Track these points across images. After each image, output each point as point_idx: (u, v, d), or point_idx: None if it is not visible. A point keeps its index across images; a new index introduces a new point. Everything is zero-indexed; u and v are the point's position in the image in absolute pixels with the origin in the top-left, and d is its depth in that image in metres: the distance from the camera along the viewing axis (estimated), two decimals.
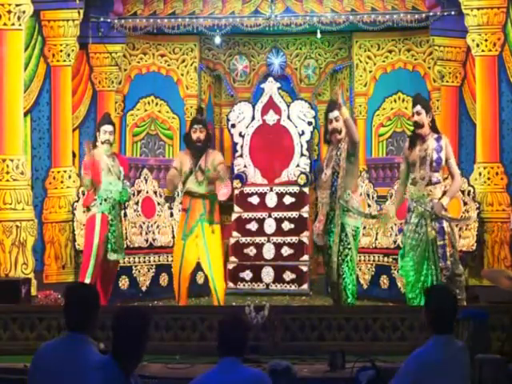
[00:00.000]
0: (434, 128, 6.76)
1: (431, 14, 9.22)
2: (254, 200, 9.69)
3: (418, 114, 6.72)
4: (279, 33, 10.16)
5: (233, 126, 10.14)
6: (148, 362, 5.13)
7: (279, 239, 9.33)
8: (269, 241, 9.34)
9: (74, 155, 8.95)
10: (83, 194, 8.31)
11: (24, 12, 8.20)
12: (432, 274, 6.61)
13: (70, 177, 8.83)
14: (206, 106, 10.65)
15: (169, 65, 10.36)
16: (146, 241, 8.92)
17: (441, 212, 6.59)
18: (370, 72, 10.29)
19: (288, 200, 9.64)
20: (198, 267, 7.80)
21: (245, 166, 10.03)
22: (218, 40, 10.18)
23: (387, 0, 9.39)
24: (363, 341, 6.03)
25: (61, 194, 8.79)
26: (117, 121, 9.88)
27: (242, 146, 10.10)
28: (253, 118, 10.14)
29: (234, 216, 9.58)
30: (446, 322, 3.68)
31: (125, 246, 7.81)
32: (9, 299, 7.11)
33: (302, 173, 9.71)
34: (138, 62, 10.19)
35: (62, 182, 8.81)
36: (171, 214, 9.14)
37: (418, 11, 9.31)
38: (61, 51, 8.81)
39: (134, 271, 8.70)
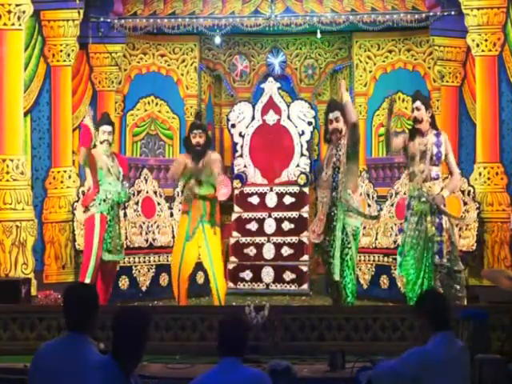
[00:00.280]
0: (433, 124, 6.83)
1: (431, 14, 9.22)
2: (254, 200, 9.69)
3: (418, 109, 6.80)
4: (279, 33, 10.16)
5: (233, 125, 10.14)
6: (148, 361, 5.13)
7: (279, 239, 9.33)
8: (269, 241, 9.34)
9: (74, 154, 8.95)
10: (83, 194, 8.31)
11: (24, 12, 8.20)
12: (429, 271, 6.63)
13: (69, 177, 8.83)
14: (206, 106, 10.66)
15: (169, 65, 10.36)
16: (146, 241, 8.92)
17: (441, 203, 6.61)
18: (370, 72, 10.29)
19: (288, 200, 9.65)
20: (198, 267, 7.80)
21: (245, 166, 10.03)
22: (218, 40, 10.18)
23: (387, 0, 9.39)
24: (363, 341, 6.03)
25: (61, 194, 8.79)
26: (117, 121, 9.88)
27: (242, 146, 10.10)
28: (253, 118, 10.14)
29: (234, 216, 9.58)
30: (443, 318, 3.69)
31: (124, 246, 7.79)
32: (9, 299, 7.11)
33: (301, 173, 9.71)
34: (138, 62, 10.19)
35: (61, 182, 8.81)
36: (171, 214, 9.14)
37: (418, 11, 9.31)
38: (61, 51, 8.81)
39: (133, 271, 8.70)
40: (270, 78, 10.31)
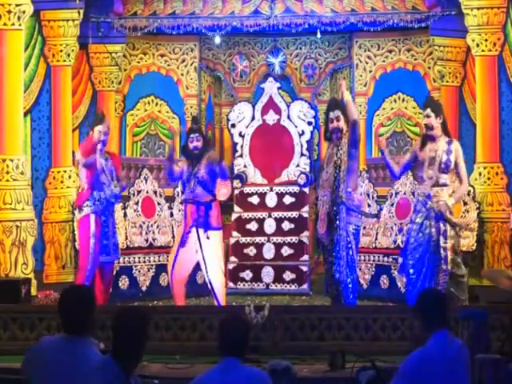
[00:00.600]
0: (445, 131, 6.84)
1: (431, 13, 9.21)
2: (254, 200, 9.69)
3: (428, 116, 6.83)
4: (279, 33, 10.16)
5: (233, 125, 10.13)
6: (148, 361, 5.13)
7: (279, 239, 9.33)
8: (269, 241, 9.34)
9: (73, 155, 8.95)
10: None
11: (24, 12, 8.20)
12: (431, 274, 6.63)
13: (70, 177, 8.83)
14: (206, 106, 10.66)
15: (169, 65, 10.36)
16: (146, 241, 8.92)
17: (446, 212, 6.62)
18: (370, 72, 10.29)
19: (288, 200, 9.64)
20: (198, 267, 7.79)
21: (245, 166, 10.03)
22: (218, 40, 10.19)
23: (387, 0, 9.38)
24: (363, 341, 6.03)
25: (61, 194, 8.79)
26: (117, 121, 9.91)
27: (241, 146, 10.09)
28: (253, 118, 10.13)
29: (234, 216, 9.58)
30: (442, 317, 3.70)
31: (119, 246, 7.76)
32: (9, 299, 7.11)
33: (301, 173, 9.71)
34: (138, 62, 10.19)
35: (61, 182, 8.81)
36: (171, 214, 9.13)
37: (418, 11, 9.30)
38: (61, 51, 8.81)
39: (134, 271, 8.69)
40: (270, 78, 10.30)
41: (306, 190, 9.66)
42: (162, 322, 6.11)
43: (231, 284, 9.05)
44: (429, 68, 9.87)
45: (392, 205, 8.79)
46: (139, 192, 8.98)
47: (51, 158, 8.82)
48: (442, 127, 6.82)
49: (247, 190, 9.74)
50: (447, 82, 9.40)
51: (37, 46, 8.70)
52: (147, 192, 9.05)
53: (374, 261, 8.73)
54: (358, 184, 7.18)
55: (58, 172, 8.81)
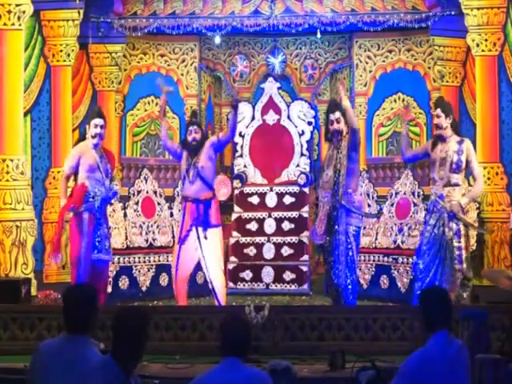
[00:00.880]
0: (455, 131, 6.89)
1: (431, 14, 9.21)
2: (254, 200, 9.69)
3: (438, 116, 6.91)
4: (279, 33, 10.16)
5: None
6: (148, 361, 5.14)
7: (279, 239, 9.33)
8: (269, 241, 9.34)
9: None
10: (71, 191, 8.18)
11: (24, 12, 8.19)
12: (444, 274, 6.66)
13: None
14: (206, 106, 10.66)
15: (169, 65, 10.36)
16: (146, 241, 8.91)
17: (458, 211, 6.65)
18: (370, 72, 10.30)
19: (288, 200, 9.64)
20: (198, 267, 7.80)
21: (245, 166, 10.03)
22: (218, 40, 10.19)
23: (387, 0, 9.38)
24: (363, 341, 6.03)
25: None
26: (117, 121, 9.91)
27: (242, 146, 10.09)
28: (253, 118, 10.14)
29: (234, 216, 9.58)
30: (441, 318, 3.69)
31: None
32: (9, 299, 7.10)
33: (301, 173, 9.71)
34: (138, 62, 10.19)
35: None
36: (171, 214, 9.13)
37: (418, 11, 9.31)
38: (61, 51, 8.81)
39: (134, 271, 8.69)
40: (270, 78, 10.31)
41: (306, 190, 9.67)
42: (162, 322, 6.11)
43: (231, 284, 9.05)
44: (429, 68, 9.87)
45: (392, 205, 8.79)
46: (139, 192, 8.98)
47: (51, 158, 8.82)
48: (453, 127, 6.87)
49: (247, 189, 9.74)
50: (447, 82, 9.40)
51: (37, 46, 8.70)
52: (147, 192, 9.04)
53: (373, 261, 8.73)
54: (358, 185, 7.20)
55: (58, 172, 8.79)
